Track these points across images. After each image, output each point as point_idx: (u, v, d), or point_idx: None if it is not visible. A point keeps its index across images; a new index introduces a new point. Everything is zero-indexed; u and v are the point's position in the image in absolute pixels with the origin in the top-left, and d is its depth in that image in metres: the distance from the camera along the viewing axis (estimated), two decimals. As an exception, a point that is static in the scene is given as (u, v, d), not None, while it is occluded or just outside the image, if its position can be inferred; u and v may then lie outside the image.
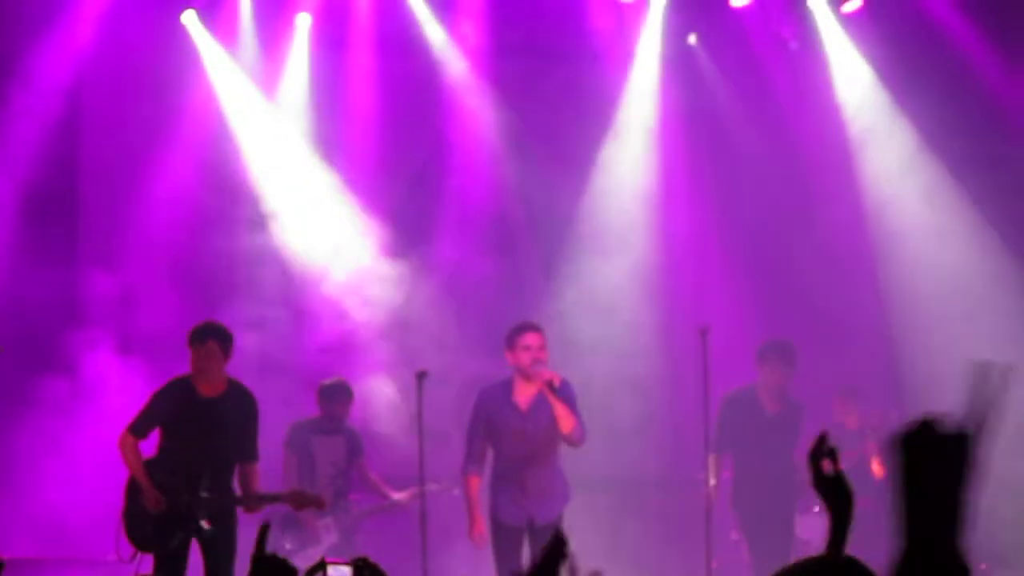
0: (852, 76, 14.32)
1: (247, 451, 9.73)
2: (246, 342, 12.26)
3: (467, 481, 10.60)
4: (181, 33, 13.21)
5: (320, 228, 13.25)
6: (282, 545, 11.77)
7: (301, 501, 9.99)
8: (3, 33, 12.58)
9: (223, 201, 13.03)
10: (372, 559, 5.06)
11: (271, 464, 11.62)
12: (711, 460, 11.69)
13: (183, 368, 9.83)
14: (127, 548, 9.74)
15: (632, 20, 14.15)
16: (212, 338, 9.60)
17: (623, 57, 14.22)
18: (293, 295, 13.13)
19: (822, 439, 3.71)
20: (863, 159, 14.47)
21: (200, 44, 13.20)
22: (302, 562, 11.17)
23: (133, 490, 9.66)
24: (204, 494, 9.50)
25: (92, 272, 12.59)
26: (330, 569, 5.16)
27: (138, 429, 9.65)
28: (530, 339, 10.45)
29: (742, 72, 14.44)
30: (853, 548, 3.41)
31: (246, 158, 13.23)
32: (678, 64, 14.47)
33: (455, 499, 12.09)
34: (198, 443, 9.50)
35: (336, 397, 12.06)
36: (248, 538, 11.05)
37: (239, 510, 9.86)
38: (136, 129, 12.91)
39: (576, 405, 10.51)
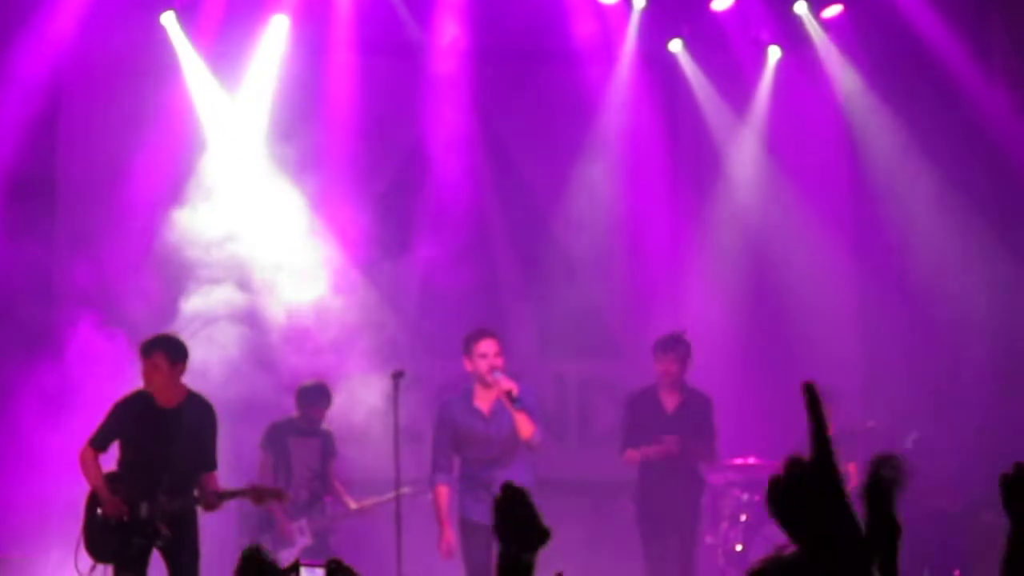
0: (834, 80, 14.34)
1: (207, 461, 9.79)
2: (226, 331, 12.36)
3: (436, 490, 10.67)
4: (161, 32, 13.18)
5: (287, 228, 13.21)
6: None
7: (261, 495, 10.03)
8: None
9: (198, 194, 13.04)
10: (345, 562, 5.05)
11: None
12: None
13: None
14: (85, 561, 9.71)
15: (614, 23, 14.14)
16: (159, 350, 9.65)
17: (605, 60, 14.22)
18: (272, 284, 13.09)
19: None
20: (845, 162, 14.50)
21: (177, 45, 13.19)
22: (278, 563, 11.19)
23: (93, 503, 9.68)
24: (163, 498, 9.53)
25: (71, 257, 12.58)
26: (304, 571, 5.15)
27: (98, 442, 9.68)
28: (486, 346, 10.50)
29: (723, 75, 14.45)
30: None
31: (213, 161, 13.20)
32: (659, 67, 14.48)
33: (429, 502, 12.08)
34: (157, 453, 9.54)
35: (314, 399, 12.02)
36: (216, 538, 11.13)
37: (201, 515, 9.90)
38: (114, 122, 12.87)
39: (536, 410, 10.56)
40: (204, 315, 12.53)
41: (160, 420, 9.62)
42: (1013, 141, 13.49)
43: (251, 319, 12.88)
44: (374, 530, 11.79)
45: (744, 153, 14.57)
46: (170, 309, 12.39)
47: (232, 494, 9.82)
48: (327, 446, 12.05)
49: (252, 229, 13.02)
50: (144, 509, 9.52)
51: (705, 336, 12.71)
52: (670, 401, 11.75)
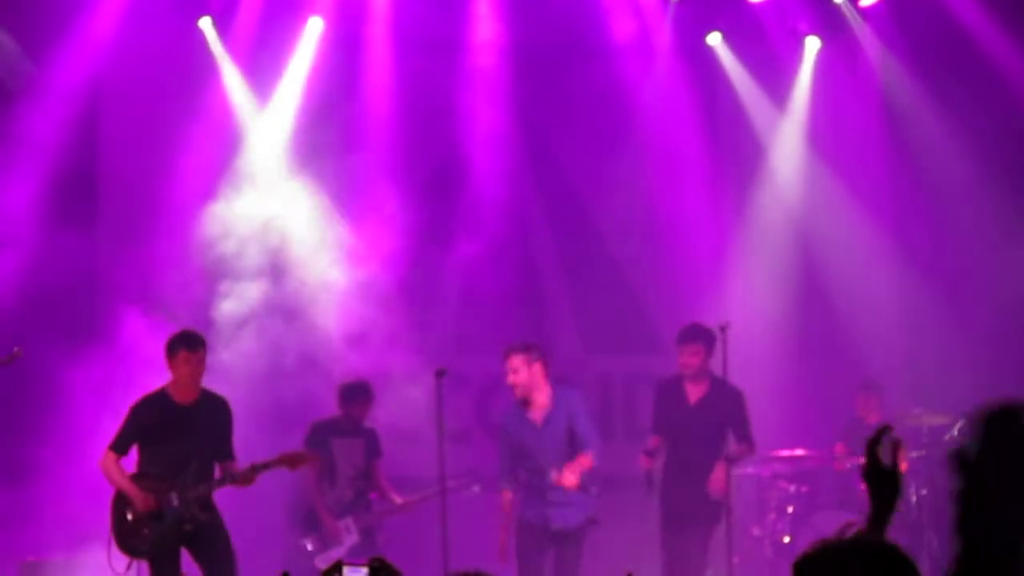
0: (873, 69, 14.29)
1: (225, 452, 9.99)
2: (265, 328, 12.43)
3: (502, 496, 11.02)
4: (198, 35, 13.26)
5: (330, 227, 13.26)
6: (303, 547, 11.78)
7: (294, 461, 10.14)
8: (27, 28, 12.63)
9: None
10: (391, 559, 5.06)
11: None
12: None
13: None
14: (120, 560, 9.82)
15: (651, 17, 14.12)
16: (180, 347, 9.84)
17: (642, 54, 14.19)
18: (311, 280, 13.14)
19: (885, 429, 3.71)
20: (885, 152, 14.45)
21: (214, 48, 13.29)
22: (323, 563, 11.28)
23: (120, 504, 9.82)
24: (191, 486, 9.73)
25: (115, 252, 12.68)
26: (347, 570, 5.15)
27: (119, 446, 9.87)
28: (511, 363, 10.90)
29: (761, 67, 14.41)
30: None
31: (251, 160, 13.28)
32: (697, 60, 14.46)
33: (476, 497, 12.11)
34: (180, 448, 9.75)
35: (356, 398, 12.05)
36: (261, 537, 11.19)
37: (242, 516, 10.16)
38: (153, 122, 12.93)
39: (586, 417, 10.96)
40: (244, 311, 12.62)
41: (180, 416, 9.80)
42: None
43: (290, 317, 12.94)
44: (421, 526, 11.79)
45: (784, 145, 14.54)
46: (212, 303, 12.52)
47: (265, 465, 9.88)
48: (371, 445, 12.06)
49: (292, 227, 13.09)
50: (175, 499, 9.70)
51: (750, 329, 12.69)
52: (694, 392, 11.55)
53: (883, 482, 3.70)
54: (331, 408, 12.16)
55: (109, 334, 12.05)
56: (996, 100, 13.56)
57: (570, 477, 10.72)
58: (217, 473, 9.94)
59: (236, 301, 12.57)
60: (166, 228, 12.80)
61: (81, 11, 12.67)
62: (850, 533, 3.39)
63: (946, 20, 13.55)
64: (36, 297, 12.19)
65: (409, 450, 12.63)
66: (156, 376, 10.22)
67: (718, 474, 11.22)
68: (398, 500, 12.01)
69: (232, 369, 12.37)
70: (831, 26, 14.30)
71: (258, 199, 13.03)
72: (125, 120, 13.13)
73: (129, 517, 9.75)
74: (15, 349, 10.01)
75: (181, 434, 9.77)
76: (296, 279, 13.06)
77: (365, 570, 5.06)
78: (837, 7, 14.11)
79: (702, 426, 11.40)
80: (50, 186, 12.49)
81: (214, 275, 12.70)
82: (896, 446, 3.71)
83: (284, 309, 12.98)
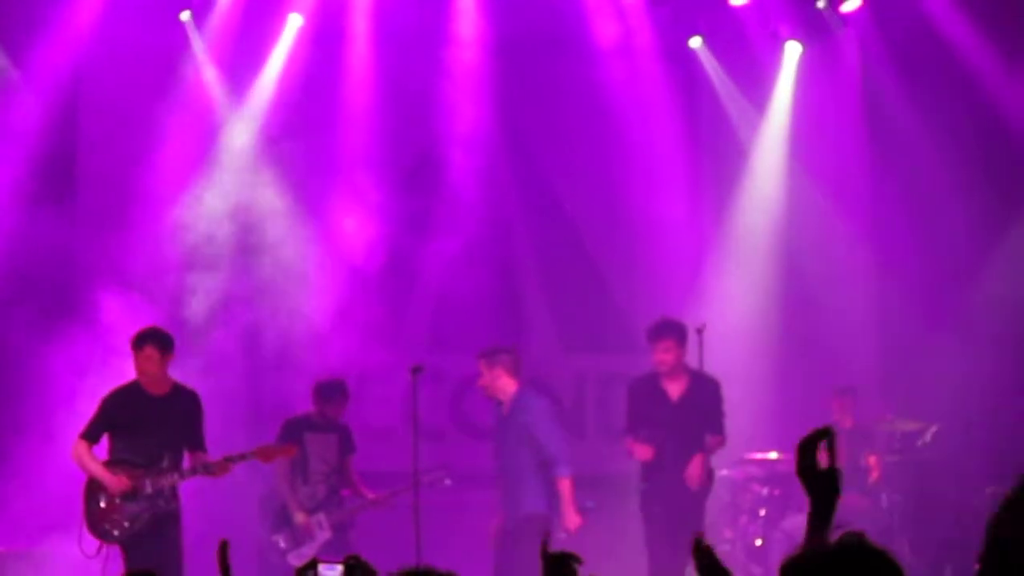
0: (853, 73, 14.33)
1: (196, 443, 10.18)
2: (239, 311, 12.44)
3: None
4: (179, 29, 13.24)
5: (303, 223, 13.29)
6: (276, 544, 11.75)
7: (269, 454, 10.37)
8: (9, 18, 12.62)
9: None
10: (365, 556, 5.05)
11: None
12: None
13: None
14: (91, 543, 9.97)
15: (633, 19, 14.13)
16: (149, 343, 10.04)
17: (624, 55, 14.20)
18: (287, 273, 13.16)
19: (823, 432, 3.70)
20: (865, 156, 14.49)
21: (194, 41, 13.28)
22: (296, 560, 11.28)
23: (92, 489, 10.02)
24: (165, 473, 9.95)
25: (94, 239, 12.70)
26: (321, 568, 5.14)
27: (91, 435, 10.07)
28: (478, 367, 11.21)
29: (743, 70, 14.44)
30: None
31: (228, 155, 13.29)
32: (679, 62, 14.48)
33: (449, 493, 12.10)
34: (153, 437, 9.97)
35: (332, 397, 12.00)
36: (235, 533, 11.20)
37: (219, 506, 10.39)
38: (132, 115, 12.91)
39: (549, 428, 11.06)
40: (218, 301, 12.66)
41: (152, 407, 10.02)
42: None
43: (265, 309, 12.96)
44: (394, 523, 11.78)
45: (765, 148, 14.56)
46: (187, 292, 12.58)
47: (241, 456, 10.11)
48: (345, 441, 12.04)
49: (266, 220, 13.10)
50: (148, 485, 9.91)
51: (726, 331, 12.70)
52: (674, 388, 11.38)
53: (820, 482, 3.69)
54: (305, 403, 12.15)
55: (86, 318, 12.08)
56: (976, 105, 13.61)
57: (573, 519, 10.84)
58: (187, 463, 10.09)
59: (208, 292, 12.60)
60: (143, 215, 12.79)
61: (63, 1, 12.65)
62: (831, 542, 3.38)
63: (926, 25, 13.60)
64: (15, 281, 12.26)
65: (383, 446, 12.65)
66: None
67: (696, 466, 11.15)
68: (370, 495, 11.99)
69: (206, 360, 12.39)
70: (812, 30, 14.33)
71: (234, 191, 13.03)
72: (104, 110, 13.09)
73: (102, 503, 9.93)
74: None
75: (154, 425, 9.96)
76: (270, 272, 13.07)
77: (340, 568, 5.05)
78: (819, 11, 14.13)
79: (686, 423, 11.22)
80: (29, 174, 12.48)
81: (190, 264, 12.71)
82: (832, 447, 3.70)
83: (258, 301, 12.99)
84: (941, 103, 13.76)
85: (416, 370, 11.30)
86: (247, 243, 13.10)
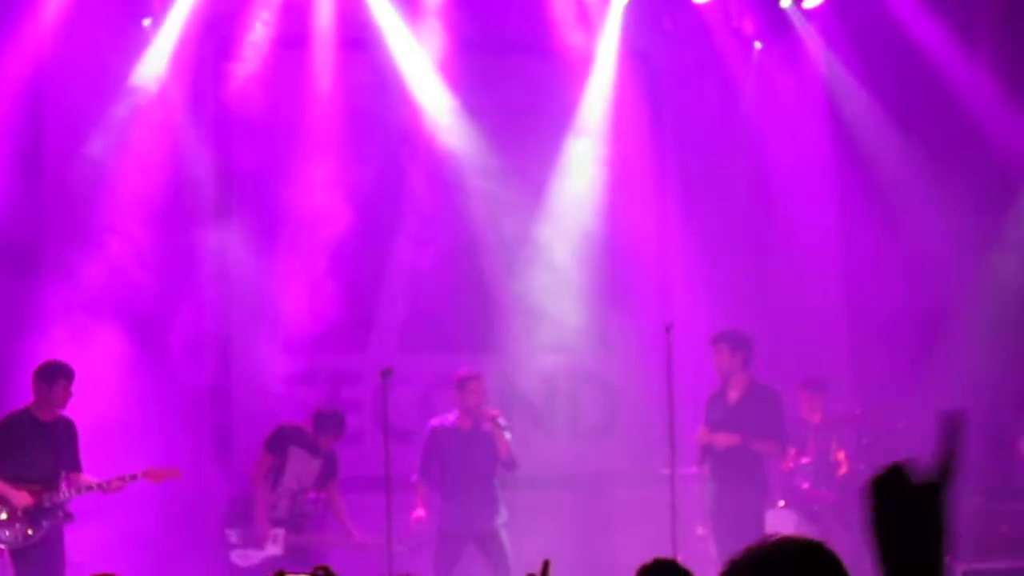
0: (817, 70, 14.37)
1: (77, 464, 11.14)
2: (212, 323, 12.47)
3: None
4: (143, 35, 13.20)
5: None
6: (227, 536, 11.71)
7: (158, 476, 11.19)
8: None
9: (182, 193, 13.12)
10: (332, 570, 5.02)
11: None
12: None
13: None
14: None
15: (594, 15, 14.15)
16: (63, 377, 11.00)
17: (584, 53, 14.22)
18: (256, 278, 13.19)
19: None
20: (830, 151, 14.53)
21: (155, 49, 13.21)
22: (239, 560, 11.35)
23: None
24: (63, 489, 10.94)
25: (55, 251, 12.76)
26: None
27: None
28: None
29: (705, 68, 14.47)
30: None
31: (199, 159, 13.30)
32: (642, 60, 14.51)
33: (420, 559, 12.05)
34: (41, 459, 10.96)
35: (326, 427, 11.90)
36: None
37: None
38: (95, 123, 12.87)
39: (501, 436, 11.91)
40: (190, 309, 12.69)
41: (42, 432, 10.97)
42: (997, 126, 13.49)
43: (239, 318, 12.96)
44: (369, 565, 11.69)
45: (730, 146, 14.57)
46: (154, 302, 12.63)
47: (132, 477, 11.01)
48: (328, 468, 11.93)
49: (235, 224, 13.12)
50: (47, 500, 10.85)
51: (692, 328, 12.72)
52: (733, 394, 11.94)
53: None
54: (274, 418, 12.14)
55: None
56: (940, 98, 13.64)
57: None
58: (63, 483, 10.98)
59: (168, 313, 12.69)
60: (106, 229, 12.79)
61: (22, 11, 12.62)
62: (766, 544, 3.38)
63: (889, 20, 13.63)
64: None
65: (354, 450, 12.64)
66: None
67: (722, 438, 11.72)
68: (356, 535, 11.89)
69: (179, 369, 12.44)
70: (776, 27, 14.37)
71: (196, 198, 13.06)
72: (67, 117, 13.03)
73: (3, 514, 10.82)
74: None
75: (44, 448, 10.95)
76: (240, 276, 13.09)
77: None
78: (781, 9, 14.18)
79: (737, 427, 11.72)
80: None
81: (157, 273, 12.70)
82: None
83: (226, 306, 13.00)
84: (905, 97, 13.81)
85: (386, 373, 11.33)
86: (215, 247, 13.11)
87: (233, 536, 11.69)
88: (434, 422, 12.11)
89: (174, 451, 12.14)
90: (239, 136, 13.40)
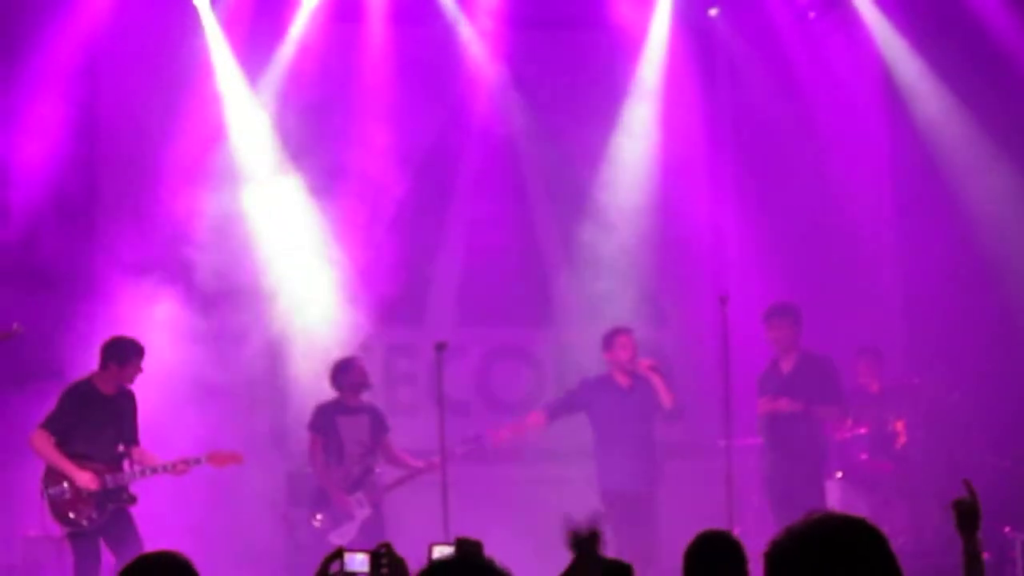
0: (873, 41, 14.25)
1: (135, 437, 10.90)
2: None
3: None
4: (194, 15, 13.27)
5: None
6: (314, 522, 11.79)
7: (221, 459, 11.08)
8: (19, 12, 12.68)
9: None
10: (396, 532, 5.07)
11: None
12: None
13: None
14: (55, 528, 10.57)
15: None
16: (136, 358, 10.79)
17: (639, 26, 14.18)
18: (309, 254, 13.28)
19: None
20: (885, 124, 14.43)
21: (208, 27, 13.31)
22: (337, 539, 11.39)
23: (53, 477, 10.58)
24: (125, 468, 10.75)
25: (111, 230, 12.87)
26: (347, 557, 5.18)
27: (52, 426, 10.65)
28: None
29: (761, 41, 14.39)
30: (877, 511, 3.43)
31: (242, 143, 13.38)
32: (697, 33, 14.45)
33: (475, 465, 12.13)
34: (104, 434, 10.71)
35: (347, 369, 12.01)
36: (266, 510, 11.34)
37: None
38: (147, 105, 12.94)
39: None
40: (237, 290, 12.75)
41: (106, 405, 10.74)
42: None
43: (288, 291, 13.04)
44: (422, 499, 11.79)
45: (785, 117, 14.48)
46: (204, 277, 12.75)
47: (196, 461, 10.87)
48: (376, 421, 12.05)
49: (286, 200, 13.18)
50: (110, 480, 10.59)
51: (746, 301, 12.68)
52: (786, 365, 12.04)
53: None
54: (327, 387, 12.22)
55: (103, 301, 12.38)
56: (997, 69, 13.50)
57: None
58: (125, 462, 10.78)
59: (222, 274, 12.75)
60: (158, 208, 12.89)
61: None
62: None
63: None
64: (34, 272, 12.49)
65: (408, 422, 12.71)
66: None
67: (783, 403, 11.78)
68: (419, 464, 12.00)
69: (226, 348, 12.54)
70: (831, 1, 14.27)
71: (250, 173, 13.12)
72: (121, 100, 13.12)
73: (68, 493, 10.52)
74: (15, 325, 10.68)
75: (108, 422, 10.71)
76: (292, 253, 13.17)
77: (365, 557, 5.07)
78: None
79: (794, 395, 11.79)
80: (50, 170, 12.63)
81: (203, 253, 12.78)
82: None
83: (279, 283, 13.08)
84: (960, 67, 13.67)
85: (440, 346, 11.39)
86: (264, 223, 13.20)
87: (318, 521, 11.79)
88: (590, 377, 12.23)
89: (229, 429, 12.22)
90: (291, 109, 13.44)
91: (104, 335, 10.99)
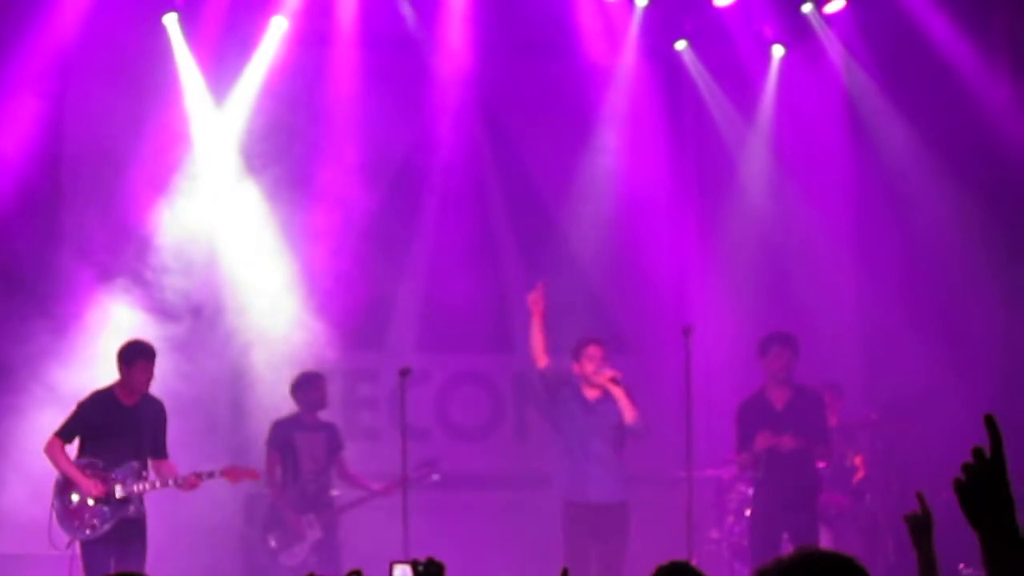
0: (838, 75, 14.36)
1: (160, 451, 10.77)
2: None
3: None
4: (163, 33, 13.25)
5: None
6: (267, 544, 11.78)
7: (236, 474, 10.90)
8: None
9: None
10: (350, 555, 5.07)
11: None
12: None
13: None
14: (61, 538, 10.46)
15: (617, 20, 14.16)
16: (144, 359, 10.62)
17: (608, 56, 14.24)
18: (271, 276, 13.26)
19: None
20: (849, 158, 14.53)
21: (176, 48, 13.29)
22: (288, 559, 11.36)
23: (63, 486, 10.53)
24: (134, 481, 10.51)
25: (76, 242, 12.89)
26: (396, 569, 5.18)
27: (66, 435, 10.56)
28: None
29: (727, 72, 14.47)
30: (832, 545, 3.46)
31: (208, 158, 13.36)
32: (663, 64, 14.52)
33: (435, 492, 12.13)
34: (122, 444, 10.55)
35: (309, 385, 12.03)
36: (220, 532, 11.31)
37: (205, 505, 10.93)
38: (116, 119, 12.91)
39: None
40: (199, 305, 12.75)
41: (124, 415, 10.55)
42: (1016, 131, 13.47)
43: (247, 313, 13.03)
44: (381, 522, 11.79)
45: (749, 150, 14.58)
46: (167, 295, 12.76)
47: (210, 475, 10.67)
48: (332, 439, 12.08)
49: (248, 224, 13.18)
50: (119, 490, 10.43)
51: (709, 332, 12.73)
52: (779, 399, 11.59)
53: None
54: (291, 406, 12.20)
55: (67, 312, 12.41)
56: (958, 105, 13.62)
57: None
58: (151, 469, 10.65)
59: (186, 294, 12.72)
60: (122, 216, 12.87)
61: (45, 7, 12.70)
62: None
63: (909, 26, 13.61)
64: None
65: (369, 447, 12.71)
66: (100, 358, 11.03)
67: (788, 441, 11.30)
68: (374, 486, 11.98)
69: (191, 366, 12.49)
70: (796, 32, 14.36)
71: (211, 195, 13.14)
72: (89, 108, 13.09)
73: (74, 501, 10.43)
74: None
75: (124, 432, 10.52)
76: (253, 275, 13.16)
77: (409, 568, 4.99)
78: (802, 13, 14.17)
79: (791, 432, 11.35)
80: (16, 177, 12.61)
81: (167, 266, 12.76)
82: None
83: (240, 304, 13.06)
84: (924, 104, 13.79)
85: (404, 372, 11.42)
86: (227, 245, 13.17)
87: (272, 541, 11.78)
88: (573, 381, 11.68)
89: (188, 449, 12.20)
90: (258, 127, 13.43)
91: (63, 335, 11.06)
